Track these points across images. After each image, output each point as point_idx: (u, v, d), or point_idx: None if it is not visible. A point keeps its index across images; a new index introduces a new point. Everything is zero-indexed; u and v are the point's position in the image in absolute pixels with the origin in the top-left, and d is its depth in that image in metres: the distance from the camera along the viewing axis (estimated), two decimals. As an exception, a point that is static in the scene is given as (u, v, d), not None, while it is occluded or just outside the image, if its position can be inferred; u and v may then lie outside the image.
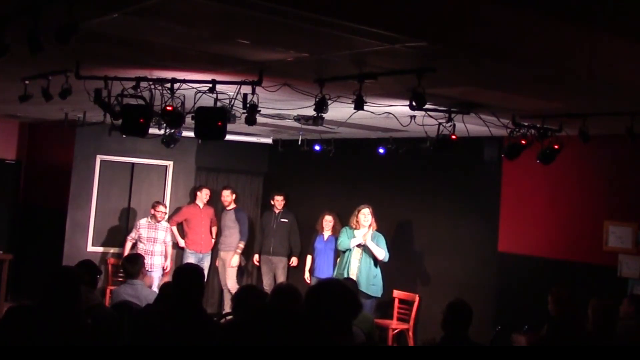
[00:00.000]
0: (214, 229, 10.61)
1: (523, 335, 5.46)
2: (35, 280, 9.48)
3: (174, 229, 10.35)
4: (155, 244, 9.80)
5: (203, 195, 10.48)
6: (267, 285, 10.03)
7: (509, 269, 8.17)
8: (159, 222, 9.86)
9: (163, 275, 9.87)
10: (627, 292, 6.96)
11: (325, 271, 9.61)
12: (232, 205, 10.49)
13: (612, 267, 7.27)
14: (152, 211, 9.89)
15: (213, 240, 10.58)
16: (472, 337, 4.65)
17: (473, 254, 8.61)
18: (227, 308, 10.25)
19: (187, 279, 4.42)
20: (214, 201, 10.98)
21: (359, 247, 8.69)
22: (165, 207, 10.05)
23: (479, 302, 7.39)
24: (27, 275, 10.28)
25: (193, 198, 10.67)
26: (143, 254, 9.46)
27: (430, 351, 4.60)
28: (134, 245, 9.84)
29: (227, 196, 10.47)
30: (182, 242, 10.38)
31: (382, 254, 8.65)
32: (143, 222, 9.87)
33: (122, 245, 10.31)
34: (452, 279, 8.66)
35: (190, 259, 10.17)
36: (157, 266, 9.80)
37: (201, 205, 10.50)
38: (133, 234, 9.87)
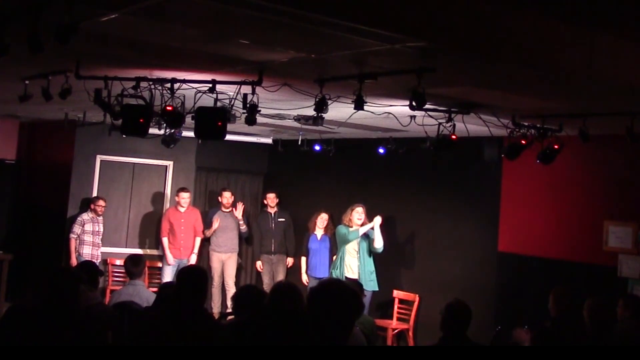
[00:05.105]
0: (198, 240, 10.24)
1: (525, 331, 5.45)
2: (35, 280, 9.49)
3: (165, 241, 10.09)
4: (99, 236, 9.78)
5: (181, 200, 10.11)
6: (267, 285, 9.99)
7: (509, 269, 8.17)
8: (99, 215, 9.79)
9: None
10: (627, 292, 6.96)
11: (322, 271, 9.61)
12: (230, 208, 10.44)
13: (612, 267, 7.27)
14: (93, 206, 9.76)
15: (196, 249, 10.25)
16: (472, 337, 4.65)
17: (473, 254, 8.60)
18: (218, 306, 10.29)
19: (191, 280, 4.42)
20: (211, 201, 10.98)
21: (354, 244, 8.93)
22: (105, 200, 9.85)
23: (479, 302, 7.39)
24: (26, 275, 10.28)
25: (174, 201, 10.38)
26: (90, 246, 9.57)
27: (429, 351, 4.60)
28: (78, 241, 9.67)
29: (229, 197, 10.38)
30: (170, 259, 10.04)
31: (381, 241, 8.89)
32: (86, 217, 9.72)
33: (121, 245, 10.33)
34: (452, 279, 8.66)
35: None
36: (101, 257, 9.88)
37: (182, 209, 10.16)
38: (77, 230, 9.63)
